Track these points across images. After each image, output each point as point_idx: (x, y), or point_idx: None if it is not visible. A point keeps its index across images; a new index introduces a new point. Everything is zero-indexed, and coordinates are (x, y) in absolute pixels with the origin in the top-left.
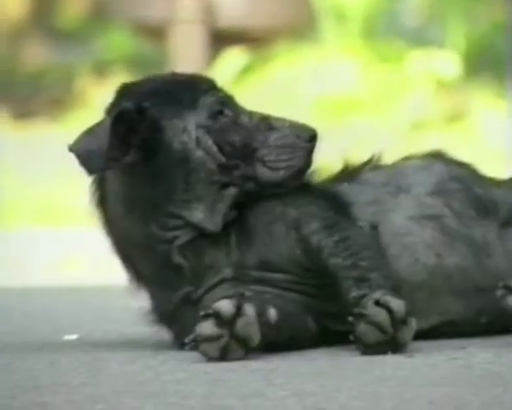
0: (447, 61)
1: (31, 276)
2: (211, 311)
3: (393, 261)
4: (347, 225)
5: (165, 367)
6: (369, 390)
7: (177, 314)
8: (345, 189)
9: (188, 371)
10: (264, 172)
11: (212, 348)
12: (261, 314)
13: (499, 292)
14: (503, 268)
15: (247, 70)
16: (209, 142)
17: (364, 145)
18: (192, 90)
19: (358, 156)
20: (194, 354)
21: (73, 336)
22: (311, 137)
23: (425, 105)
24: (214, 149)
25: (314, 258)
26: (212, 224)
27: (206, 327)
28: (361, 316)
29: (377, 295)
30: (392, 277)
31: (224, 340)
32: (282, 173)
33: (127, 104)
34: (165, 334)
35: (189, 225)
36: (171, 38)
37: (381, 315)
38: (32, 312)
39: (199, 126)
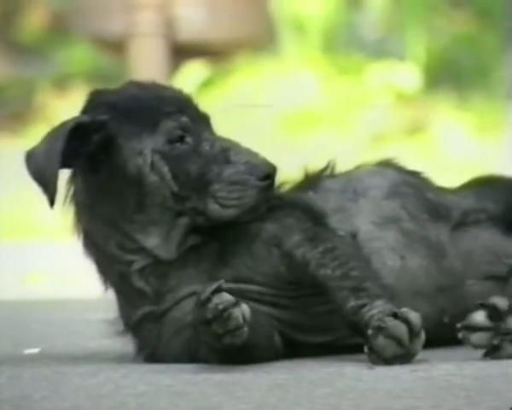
0: (407, 74)
1: None
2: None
3: None
4: (329, 236)
5: (126, 380)
6: (331, 403)
7: (139, 328)
8: (311, 197)
9: (150, 385)
10: (214, 209)
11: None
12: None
13: (460, 334)
14: (458, 268)
15: (207, 83)
16: (164, 168)
17: (325, 157)
18: (155, 112)
19: (319, 167)
20: (156, 367)
21: (35, 350)
22: (265, 176)
23: (385, 117)
24: (169, 176)
25: (300, 271)
26: (166, 252)
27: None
28: (380, 329)
29: (378, 304)
30: (385, 285)
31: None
32: (231, 211)
33: (84, 118)
34: (127, 346)
35: (144, 250)
36: (132, 51)
37: (401, 329)
38: None
39: (155, 151)
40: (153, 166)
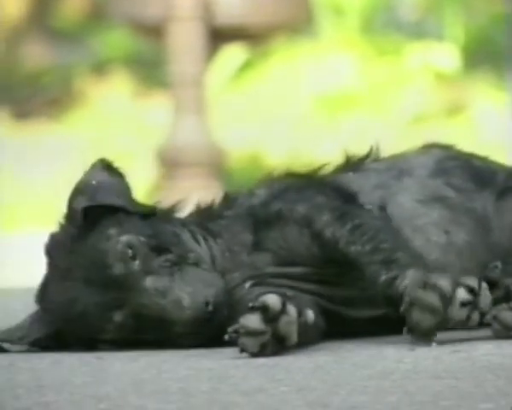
0: (446, 54)
1: (31, 277)
2: (257, 304)
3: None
4: (358, 212)
5: (167, 365)
6: (372, 384)
7: None
8: (350, 177)
9: (191, 369)
10: None
11: (253, 343)
12: (300, 314)
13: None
14: (503, 243)
15: (245, 67)
16: None
17: (363, 139)
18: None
19: (357, 150)
20: (196, 352)
21: None
22: None
23: (424, 98)
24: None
25: (330, 250)
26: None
27: (253, 321)
28: (412, 304)
29: (410, 273)
30: (416, 254)
31: (266, 337)
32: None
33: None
34: None
35: None
36: (170, 35)
37: (431, 297)
38: None
39: None
40: None
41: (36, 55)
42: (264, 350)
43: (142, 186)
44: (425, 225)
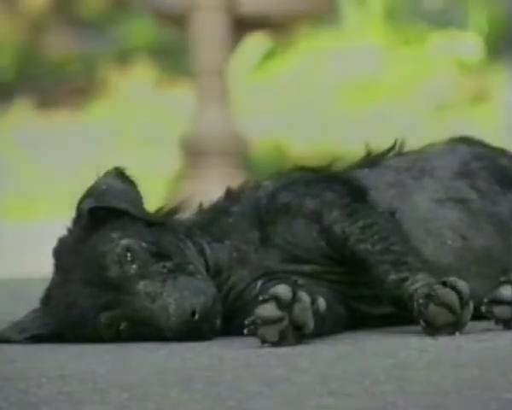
0: (469, 43)
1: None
2: (268, 296)
3: (419, 246)
4: (369, 212)
5: (191, 354)
6: (395, 374)
7: None
8: (365, 174)
9: (214, 358)
10: None
11: (272, 332)
12: (312, 303)
13: (484, 307)
14: None
15: (269, 56)
16: None
17: (388, 128)
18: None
19: (381, 139)
20: (219, 341)
21: None
22: None
23: (448, 87)
24: None
25: (338, 246)
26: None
27: (268, 309)
28: (430, 297)
29: (420, 277)
30: (426, 261)
31: (284, 323)
32: None
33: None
34: None
35: None
36: (193, 24)
37: (451, 296)
38: None
39: None
40: None
41: (60, 44)
42: (284, 339)
43: (166, 175)
44: (440, 228)
